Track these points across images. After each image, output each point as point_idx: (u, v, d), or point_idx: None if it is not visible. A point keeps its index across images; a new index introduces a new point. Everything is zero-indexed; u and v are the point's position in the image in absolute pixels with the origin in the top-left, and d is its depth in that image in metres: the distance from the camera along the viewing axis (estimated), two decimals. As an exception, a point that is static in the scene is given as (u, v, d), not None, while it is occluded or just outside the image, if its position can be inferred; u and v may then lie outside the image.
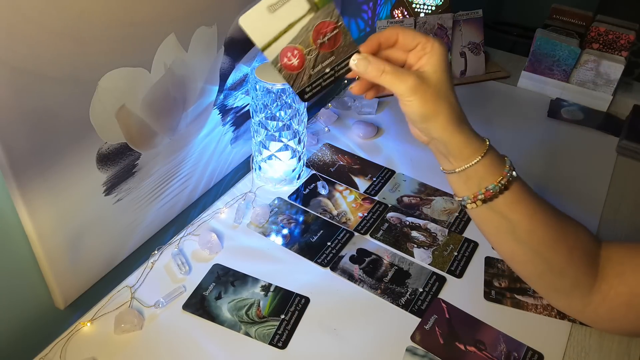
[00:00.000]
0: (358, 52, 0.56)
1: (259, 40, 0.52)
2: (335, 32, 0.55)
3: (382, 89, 0.59)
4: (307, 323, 0.65)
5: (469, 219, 0.80)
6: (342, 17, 0.55)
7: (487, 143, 0.58)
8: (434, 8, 1.14)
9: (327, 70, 0.56)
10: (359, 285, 0.70)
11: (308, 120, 0.85)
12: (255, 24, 0.52)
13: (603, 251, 0.60)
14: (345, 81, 1.12)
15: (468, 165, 0.57)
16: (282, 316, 0.65)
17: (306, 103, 0.76)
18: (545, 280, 0.61)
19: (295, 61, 0.55)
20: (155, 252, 0.71)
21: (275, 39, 0.53)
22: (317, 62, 0.55)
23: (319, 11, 0.54)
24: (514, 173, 0.58)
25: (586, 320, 0.63)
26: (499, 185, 0.57)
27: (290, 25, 0.53)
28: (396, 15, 1.16)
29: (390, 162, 0.91)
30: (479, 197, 0.58)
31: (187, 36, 0.67)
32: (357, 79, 0.58)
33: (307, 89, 0.57)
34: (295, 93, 0.56)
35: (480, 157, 0.57)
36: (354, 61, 0.55)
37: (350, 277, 0.71)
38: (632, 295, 0.57)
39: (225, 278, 0.69)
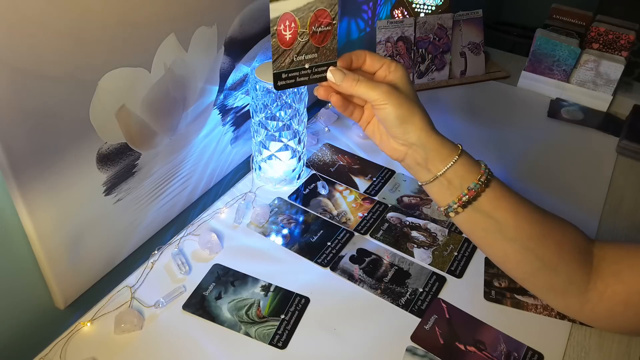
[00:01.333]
0: (334, 63, 0.60)
1: None
2: (327, 28, 0.59)
3: (352, 105, 0.63)
4: (307, 323, 0.65)
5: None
6: (338, 22, 0.57)
7: (460, 145, 0.61)
8: (434, 8, 1.14)
9: (306, 66, 0.59)
10: (359, 285, 0.70)
11: (308, 120, 0.85)
12: None
13: (597, 250, 0.61)
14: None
15: (448, 166, 0.59)
16: (282, 316, 0.65)
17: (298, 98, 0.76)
18: (539, 278, 0.62)
19: (288, 35, 0.57)
20: (155, 252, 0.71)
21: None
22: (302, 50, 0.58)
23: None
24: (490, 171, 0.60)
25: (585, 320, 0.63)
26: (480, 183, 0.59)
27: None
28: (396, 15, 1.16)
29: (390, 162, 0.91)
30: (464, 198, 0.59)
31: (187, 36, 0.67)
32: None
33: (284, 75, 0.59)
34: (273, 73, 0.58)
35: (457, 157, 0.59)
36: (330, 73, 0.60)
37: (350, 277, 0.71)
38: (630, 293, 0.57)
39: (225, 278, 0.69)
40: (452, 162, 0.59)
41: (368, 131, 0.65)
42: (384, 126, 0.61)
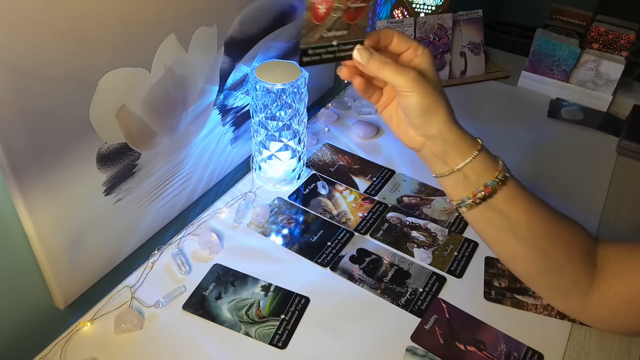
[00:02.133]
0: (362, 42, 0.56)
1: None
2: (363, 4, 0.55)
3: (373, 87, 0.60)
4: (307, 323, 0.65)
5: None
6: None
7: (479, 140, 0.59)
8: (434, 8, 1.14)
9: (334, 43, 0.56)
10: (359, 285, 0.70)
11: (308, 120, 0.85)
12: None
13: (601, 250, 0.60)
14: (345, 81, 1.11)
15: (466, 161, 0.57)
16: (282, 316, 0.65)
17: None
18: (544, 279, 0.61)
19: (323, 9, 0.53)
20: (155, 252, 0.71)
21: None
22: (333, 26, 0.55)
23: None
24: (507, 168, 0.59)
25: (586, 320, 0.63)
26: (497, 180, 0.57)
27: None
28: (396, 15, 1.16)
29: (390, 162, 0.91)
30: (479, 195, 0.57)
31: (187, 36, 0.67)
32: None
33: (310, 51, 0.55)
34: (300, 48, 0.55)
35: (477, 152, 0.57)
36: (357, 52, 0.56)
37: (350, 277, 0.71)
38: (631, 295, 0.57)
39: (225, 278, 0.69)
40: (471, 158, 0.57)
41: (384, 115, 0.62)
42: (405, 114, 0.58)
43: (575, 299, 0.60)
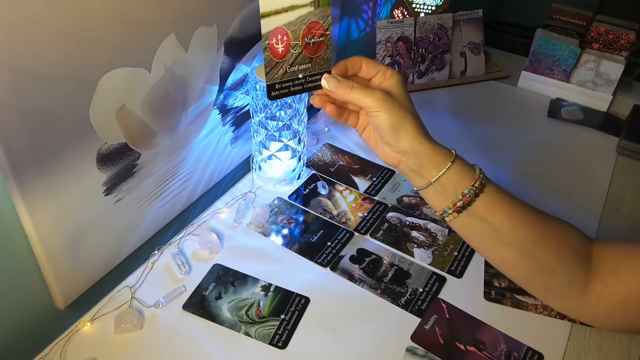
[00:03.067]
0: (329, 72, 0.60)
1: (264, 5, 0.54)
2: (321, 39, 0.59)
3: (347, 112, 0.64)
4: (307, 323, 0.65)
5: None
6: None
7: (454, 151, 0.61)
8: (434, 8, 1.14)
9: (300, 76, 0.59)
10: (359, 285, 0.70)
11: (308, 120, 0.85)
12: None
13: (596, 250, 0.61)
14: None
15: (441, 173, 0.59)
16: (282, 316, 0.65)
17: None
18: (537, 280, 0.62)
19: (280, 48, 0.57)
20: (155, 252, 0.71)
21: (277, 12, 0.56)
22: (296, 61, 0.58)
23: (318, 9, 0.57)
24: (485, 177, 0.60)
25: (585, 320, 0.63)
26: (474, 188, 0.59)
27: (293, 8, 0.56)
28: (396, 15, 1.16)
29: (390, 162, 0.91)
30: (458, 204, 0.60)
31: (187, 36, 0.67)
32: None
33: (277, 86, 0.59)
34: (266, 85, 0.58)
35: (450, 163, 0.59)
36: (325, 80, 0.60)
37: (350, 277, 0.71)
38: (629, 293, 0.57)
39: (225, 278, 0.69)
40: (445, 169, 0.59)
41: (364, 136, 0.65)
42: (377, 133, 0.61)
43: (571, 299, 0.61)
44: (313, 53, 0.59)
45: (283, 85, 0.59)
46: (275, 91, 0.59)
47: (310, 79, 0.60)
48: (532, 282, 0.63)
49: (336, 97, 0.61)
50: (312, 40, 0.58)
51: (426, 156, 0.59)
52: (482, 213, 0.60)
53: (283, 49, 0.57)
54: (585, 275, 0.59)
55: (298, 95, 0.76)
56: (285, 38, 0.57)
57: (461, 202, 0.59)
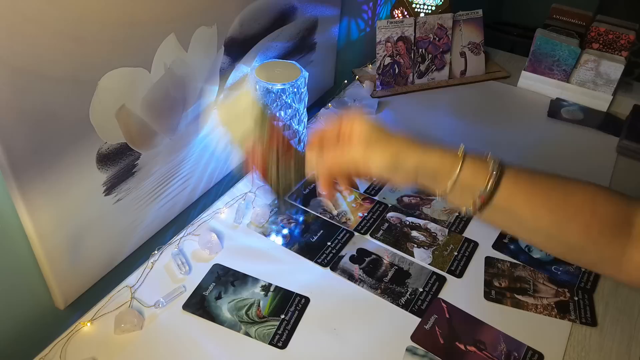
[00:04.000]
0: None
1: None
2: (290, 150, 0.61)
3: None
4: (307, 323, 0.65)
5: (469, 219, 0.80)
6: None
7: (461, 148, 0.59)
8: (434, 8, 1.14)
9: (292, 183, 0.62)
10: (359, 285, 0.70)
11: (308, 120, 0.85)
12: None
13: (638, 217, 0.57)
14: (345, 81, 1.12)
15: (454, 176, 0.58)
16: (282, 316, 0.65)
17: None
18: (570, 257, 0.62)
19: (258, 172, 0.60)
20: (155, 252, 0.71)
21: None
22: (280, 172, 0.61)
23: (261, 122, 0.60)
24: (500, 168, 0.59)
25: (624, 283, 0.63)
26: (489, 186, 0.58)
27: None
28: (396, 15, 1.16)
29: (390, 162, 0.91)
30: (477, 202, 0.59)
31: (187, 36, 0.67)
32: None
33: (283, 196, 0.62)
34: (277, 201, 0.62)
35: (460, 165, 0.58)
36: (319, 190, 0.60)
37: (350, 277, 0.71)
38: None
39: (225, 278, 0.69)
40: (457, 171, 0.58)
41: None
42: (386, 178, 0.61)
43: (607, 270, 0.60)
44: (288, 164, 0.61)
45: (286, 192, 0.62)
46: (284, 202, 0.63)
47: (298, 172, 0.62)
48: (566, 258, 0.63)
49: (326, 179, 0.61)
50: (283, 154, 0.61)
51: (433, 164, 0.58)
52: (503, 205, 0.59)
53: (262, 171, 0.60)
54: (621, 248, 0.57)
55: (298, 96, 0.76)
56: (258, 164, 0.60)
57: (479, 201, 0.58)
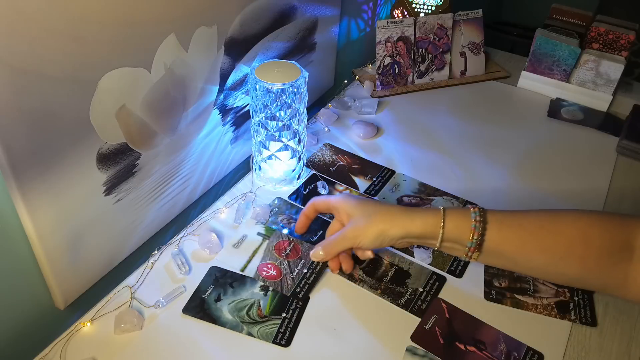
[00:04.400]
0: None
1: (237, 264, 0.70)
2: (292, 245, 0.73)
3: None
4: (307, 323, 0.65)
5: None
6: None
7: (442, 208, 0.64)
8: (434, 8, 1.14)
9: (305, 270, 0.69)
10: (359, 285, 0.70)
11: (308, 120, 0.85)
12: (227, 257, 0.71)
13: (638, 240, 0.58)
14: (345, 81, 1.12)
15: (440, 236, 0.63)
16: (284, 314, 0.65)
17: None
18: (573, 286, 0.66)
19: (272, 272, 0.69)
20: (155, 252, 0.71)
21: (248, 262, 0.71)
22: (291, 267, 0.69)
23: (270, 237, 0.74)
24: (482, 218, 0.62)
25: (633, 302, 0.65)
26: (474, 240, 0.62)
27: (255, 252, 0.72)
28: (396, 15, 1.16)
29: (390, 162, 0.91)
30: (469, 253, 0.63)
31: (187, 36, 0.67)
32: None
33: (297, 289, 0.67)
34: (289, 295, 0.67)
35: (442, 224, 0.62)
36: (314, 258, 0.68)
37: (350, 277, 0.71)
38: None
39: (223, 280, 0.69)
40: (441, 231, 0.62)
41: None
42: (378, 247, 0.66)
43: (613, 292, 0.62)
44: (296, 255, 0.71)
45: (301, 286, 0.68)
46: (299, 294, 0.67)
47: (312, 266, 0.70)
48: (570, 286, 0.67)
49: (331, 257, 0.68)
50: (288, 250, 0.71)
51: (419, 228, 0.63)
52: (494, 250, 0.62)
53: (275, 271, 0.69)
54: (623, 273, 0.58)
55: (298, 96, 0.76)
56: (270, 265, 0.69)
57: (470, 252, 0.63)
